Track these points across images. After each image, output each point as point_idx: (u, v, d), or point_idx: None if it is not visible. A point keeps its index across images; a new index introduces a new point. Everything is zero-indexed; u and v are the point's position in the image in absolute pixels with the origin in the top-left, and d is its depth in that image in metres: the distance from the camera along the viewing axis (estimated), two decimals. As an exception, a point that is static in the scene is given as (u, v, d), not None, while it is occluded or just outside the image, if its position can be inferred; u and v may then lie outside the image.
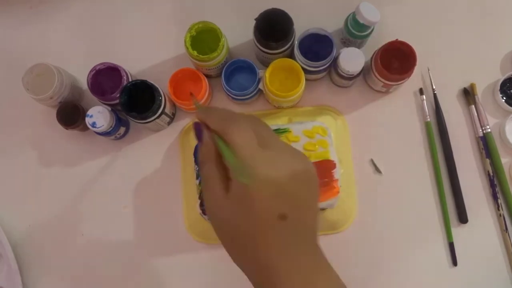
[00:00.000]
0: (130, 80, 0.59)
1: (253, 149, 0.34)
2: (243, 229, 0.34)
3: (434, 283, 0.59)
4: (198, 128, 0.37)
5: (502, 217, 0.58)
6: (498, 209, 0.58)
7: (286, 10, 0.55)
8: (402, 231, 0.59)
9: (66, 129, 0.58)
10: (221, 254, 0.59)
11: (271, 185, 0.33)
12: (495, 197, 0.59)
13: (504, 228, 0.58)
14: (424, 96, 0.61)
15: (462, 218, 0.58)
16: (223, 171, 0.35)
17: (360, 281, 0.59)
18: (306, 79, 0.58)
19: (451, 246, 0.58)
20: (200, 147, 0.37)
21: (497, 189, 0.59)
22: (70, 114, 0.58)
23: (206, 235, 0.59)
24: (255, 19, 0.53)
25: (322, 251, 0.36)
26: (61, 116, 0.58)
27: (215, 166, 0.36)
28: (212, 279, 0.59)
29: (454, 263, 0.58)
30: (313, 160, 0.54)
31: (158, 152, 0.61)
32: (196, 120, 0.38)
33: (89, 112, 0.56)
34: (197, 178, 0.55)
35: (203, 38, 0.56)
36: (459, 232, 0.59)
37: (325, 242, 0.61)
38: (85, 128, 0.59)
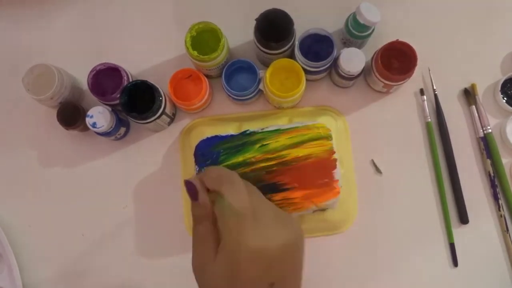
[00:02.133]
0: (130, 80, 0.59)
1: (247, 217, 0.35)
2: None
3: (435, 284, 0.58)
4: (191, 187, 0.38)
5: (503, 218, 0.58)
6: (499, 210, 0.58)
7: (287, 11, 0.55)
8: (403, 231, 0.59)
9: (67, 129, 0.58)
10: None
11: (262, 257, 0.34)
12: (496, 197, 0.59)
13: (505, 228, 0.58)
14: (425, 97, 0.61)
15: (463, 219, 0.58)
16: (216, 233, 0.37)
17: (361, 281, 0.58)
18: (307, 80, 0.58)
19: (452, 247, 0.58)
20: (193, 206, 0.39)
21: (498, 189, 0.59)
22: (71, 115, 0.58)
23: (207, 236, 0.59)
24: (256, 19, 0.53)
25: None
26: (61, 116, 0.58)
27: (210, 226, 0.38)
28: (213, 279, 0.59)
29: (455, 263, 0.58)
30: (313, 160, 0.54)
31: (159, 153, 0.61)
32: (187, 178, 0.39)
33: (90, 113, 0.56)
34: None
35: (204, 39, 0.56)
36: (459, 233, 0.58)
37: (326, 243, 0.61)
38: (85, 128, 0.59)
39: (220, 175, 0.39)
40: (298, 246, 0.38)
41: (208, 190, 0.39)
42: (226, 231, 0.36)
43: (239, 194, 0.37)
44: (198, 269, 0.38)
